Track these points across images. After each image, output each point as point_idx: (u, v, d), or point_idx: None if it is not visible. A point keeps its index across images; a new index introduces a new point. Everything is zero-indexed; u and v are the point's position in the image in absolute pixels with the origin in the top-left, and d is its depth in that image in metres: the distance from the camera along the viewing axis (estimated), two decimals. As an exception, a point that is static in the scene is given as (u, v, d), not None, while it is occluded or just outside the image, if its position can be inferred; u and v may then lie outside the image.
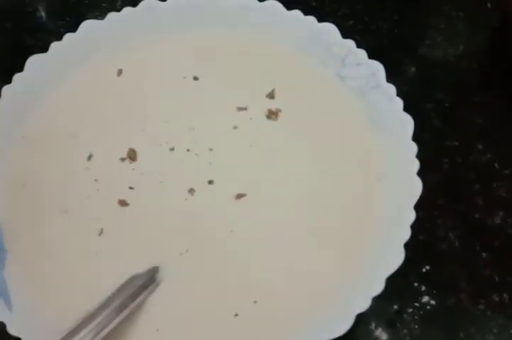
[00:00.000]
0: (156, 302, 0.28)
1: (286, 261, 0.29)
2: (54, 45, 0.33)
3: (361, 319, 0.26)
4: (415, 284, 0.33)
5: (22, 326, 0.26)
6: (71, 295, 0.28)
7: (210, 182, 0.31)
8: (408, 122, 0.30)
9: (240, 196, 0.30)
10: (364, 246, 0.28)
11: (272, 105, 0.33)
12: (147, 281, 0.28)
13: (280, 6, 0.34)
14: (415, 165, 0.29)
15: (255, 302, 0.28)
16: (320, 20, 0.34)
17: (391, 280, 0.27)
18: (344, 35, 0.34)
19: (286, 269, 0.28)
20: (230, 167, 0.31)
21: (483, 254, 0.34)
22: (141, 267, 0.28)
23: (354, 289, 0.27)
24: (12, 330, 0.26)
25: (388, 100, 0.31)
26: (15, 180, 0.31)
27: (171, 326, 0.28)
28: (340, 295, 0.27)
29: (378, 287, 0.26)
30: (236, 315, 0.28)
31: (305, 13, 0.35)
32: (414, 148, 0.29)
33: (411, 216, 0.27)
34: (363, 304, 0.25)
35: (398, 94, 0.32)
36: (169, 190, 0.31)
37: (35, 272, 0.29)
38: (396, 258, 0.26)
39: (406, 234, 0.27)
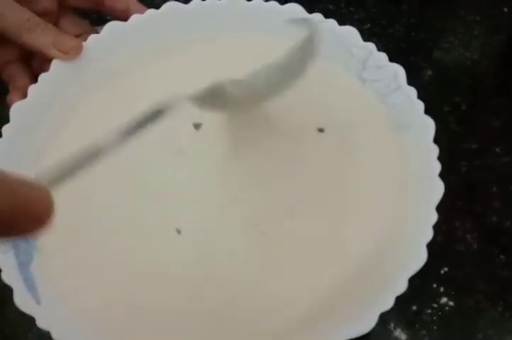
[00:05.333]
0: None
1: (310, 260, 0.29)
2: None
3: (380, 320, 0.26)
4: (434, 285, 0.33)
5: (51, 319, 0.26)
6: (99, 287, 0.29)
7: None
8: (429, 125, 0.30)
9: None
10: (387, 247, 0.29)
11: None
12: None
13: (301, 9, 0.34)
14: (437, 167, 0.29)
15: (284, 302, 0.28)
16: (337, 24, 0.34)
17: (410, 281, 0.27)
18: (362, 39, 0.34)
19: (311, 269, 0.29)
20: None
21: (501, 256, 0.34)
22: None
23: (378, 288, 0.27)
24: (41, 324, 0.26)
25: (410, 103, 0.31)
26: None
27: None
28: (364, 295, 0.27)
29: (401, 287, 0.26)
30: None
31: (323, 16, 0.35)
32: (435, 150, 0.29)
33: (433, 217, 0.28)
34: (387, 304, 0.26)
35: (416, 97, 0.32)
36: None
37: (62, 264, 0.29)
38: (419, 258, 0.27)
39: (429, 234, 0.27)
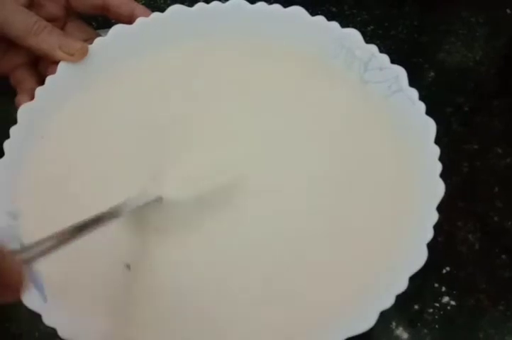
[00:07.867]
0: None
1: (312, 260, 0.29)
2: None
3: (382, 318, 0.27)
4: (436, 285, 0.33)
5: (57, 317, 0.27)
6: (101, 287, 0.29)
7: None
8: (430, 126, 0.30)
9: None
10: (388, 246, 0.29)
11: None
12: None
13: (304, 12, 0.35)
14: (438, 167, 0.29)
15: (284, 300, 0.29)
16: (340, 26, 0.35)
17: (412, 281, 0.27)
18: (365, 41, 0.34)
19: (311, 268, 0.29)
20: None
21: (503, 256, 0.34)
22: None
23: (378, 287, 0.27)
24: (47, 321, 0.27)
25: (411, 104, 0.31)
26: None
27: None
28: (364, 293, 0.28)
29: (402, 285, 0.26)
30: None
31: (326, 18, 0.35)
32: (436, 151, 0.30)
33: (434, 217, 0.28)
34: (387, 302, 0.26)
35: (418, 99, 0.32)
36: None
37: (68, 262, 0.29)
38: (420, 257, 0.27)
39: (429, 234, 0.27)
